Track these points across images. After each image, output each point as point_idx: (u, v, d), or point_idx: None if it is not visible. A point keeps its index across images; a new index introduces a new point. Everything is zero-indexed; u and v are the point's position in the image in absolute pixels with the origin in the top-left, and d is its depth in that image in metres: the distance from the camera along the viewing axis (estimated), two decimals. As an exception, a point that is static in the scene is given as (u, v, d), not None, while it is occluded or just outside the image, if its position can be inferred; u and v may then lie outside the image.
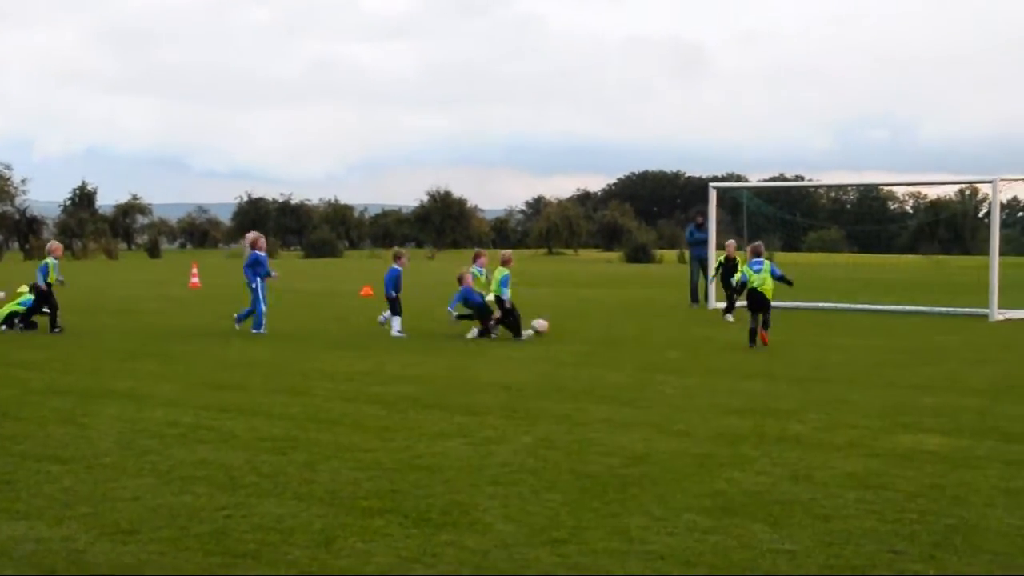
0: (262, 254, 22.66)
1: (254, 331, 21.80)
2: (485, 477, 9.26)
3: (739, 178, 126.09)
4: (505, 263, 21.87)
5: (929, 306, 29.01)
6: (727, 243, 27.42)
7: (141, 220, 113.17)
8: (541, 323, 21.92)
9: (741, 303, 24.60)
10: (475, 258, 22.96)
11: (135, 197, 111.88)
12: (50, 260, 22.47)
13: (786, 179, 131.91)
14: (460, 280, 21.65)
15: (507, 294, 21.14)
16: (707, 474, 9.42)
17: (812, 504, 8.40)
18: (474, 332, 21.03)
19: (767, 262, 20.49)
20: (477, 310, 21.10)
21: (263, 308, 22.10)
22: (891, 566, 6.95)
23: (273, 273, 22.67)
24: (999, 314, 26.34)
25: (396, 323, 21.59)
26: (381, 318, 22.30)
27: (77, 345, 19.57)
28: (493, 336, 20.91)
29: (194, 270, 42.19)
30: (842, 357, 18.25)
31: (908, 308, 28.90)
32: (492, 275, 21.75)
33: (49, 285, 22.10)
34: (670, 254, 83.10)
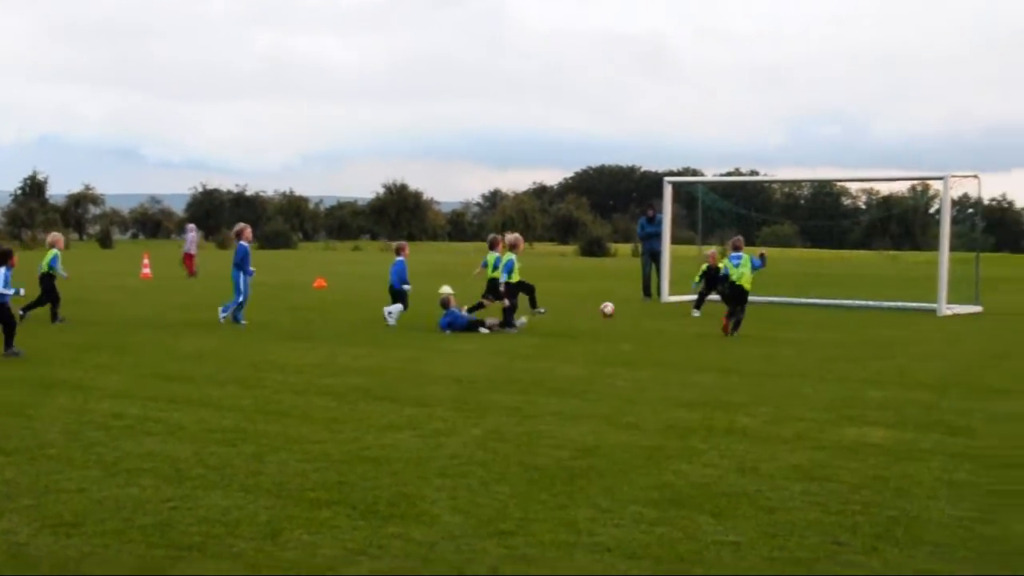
0: (247, 245, 22.59)
1: (222, 312, 21.87)
2: (433, 469, 9.26)
3: (695, 173, 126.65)
4: (513, 247, 21.82)
5: (880, 301, 29.27)
6: (708, 253, 26.72)
7: (93, 210, 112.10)
8: (609, 306, 24.16)
9: (713, 297, 25.00)
10: (492, 245, 22.80)
11: (87, 187, 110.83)
12: (56, 252, 22.49)
13: (741, 174, 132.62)
14: (445, 304, 21.33)
15: (504, 278, 21.20)
16: (655, 466, 9.47)
17: (758, 496, 8.47)
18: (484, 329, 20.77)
19: (746, 256, 21.04)
20: (465, 328, 20.84)
21: (240, 299, 22.13)
22: (834, 558, 7.01)
23: (250, 269, 22.63)
24: (947, 309, 26.62)
25: (396, 311, 21.81)
26: (388, 311, 22.16)
27: (26, 335, 19.33)
28: (488, 330, 20.69)
29: (146, 261, 41.83)
30: (792, 351, 18.39)
31: (859, 303, 29.15)
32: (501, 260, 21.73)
33: (52, 276, 22.07)
34: (624, 248, 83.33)
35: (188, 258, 41.87)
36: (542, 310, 21.84)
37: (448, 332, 20.61)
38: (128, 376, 14.63)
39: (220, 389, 13.55)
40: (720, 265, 23.12)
